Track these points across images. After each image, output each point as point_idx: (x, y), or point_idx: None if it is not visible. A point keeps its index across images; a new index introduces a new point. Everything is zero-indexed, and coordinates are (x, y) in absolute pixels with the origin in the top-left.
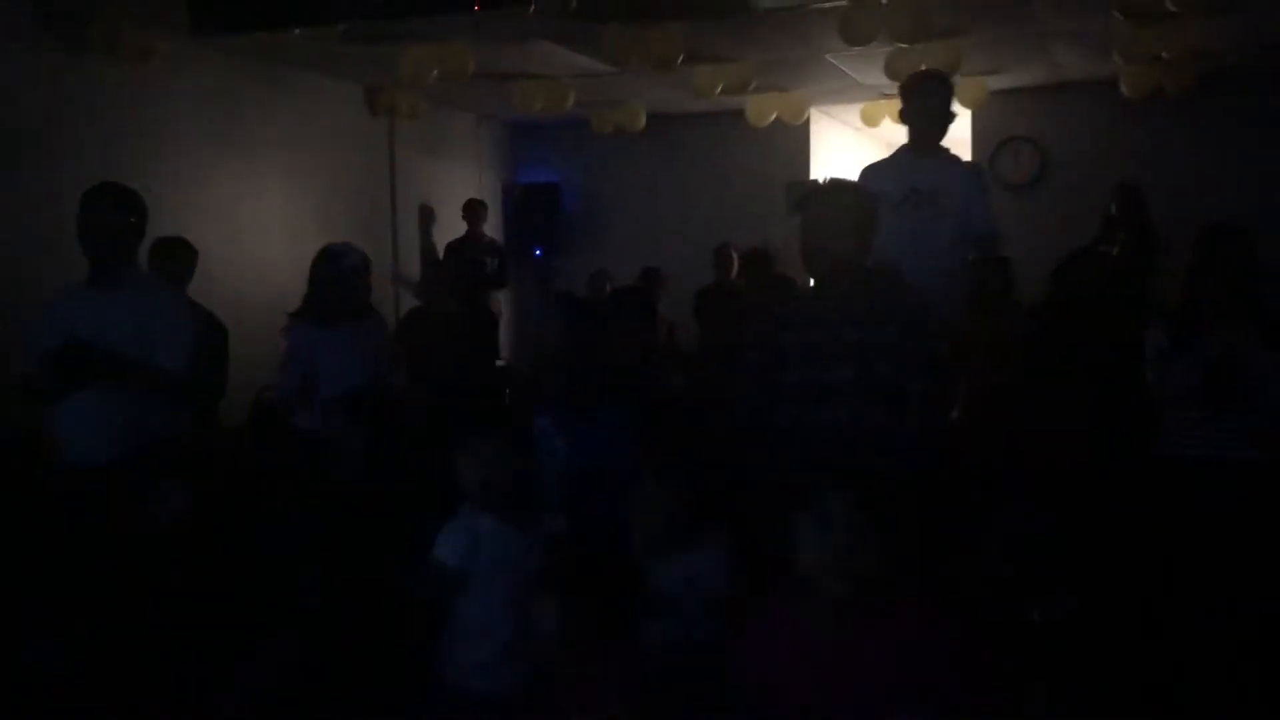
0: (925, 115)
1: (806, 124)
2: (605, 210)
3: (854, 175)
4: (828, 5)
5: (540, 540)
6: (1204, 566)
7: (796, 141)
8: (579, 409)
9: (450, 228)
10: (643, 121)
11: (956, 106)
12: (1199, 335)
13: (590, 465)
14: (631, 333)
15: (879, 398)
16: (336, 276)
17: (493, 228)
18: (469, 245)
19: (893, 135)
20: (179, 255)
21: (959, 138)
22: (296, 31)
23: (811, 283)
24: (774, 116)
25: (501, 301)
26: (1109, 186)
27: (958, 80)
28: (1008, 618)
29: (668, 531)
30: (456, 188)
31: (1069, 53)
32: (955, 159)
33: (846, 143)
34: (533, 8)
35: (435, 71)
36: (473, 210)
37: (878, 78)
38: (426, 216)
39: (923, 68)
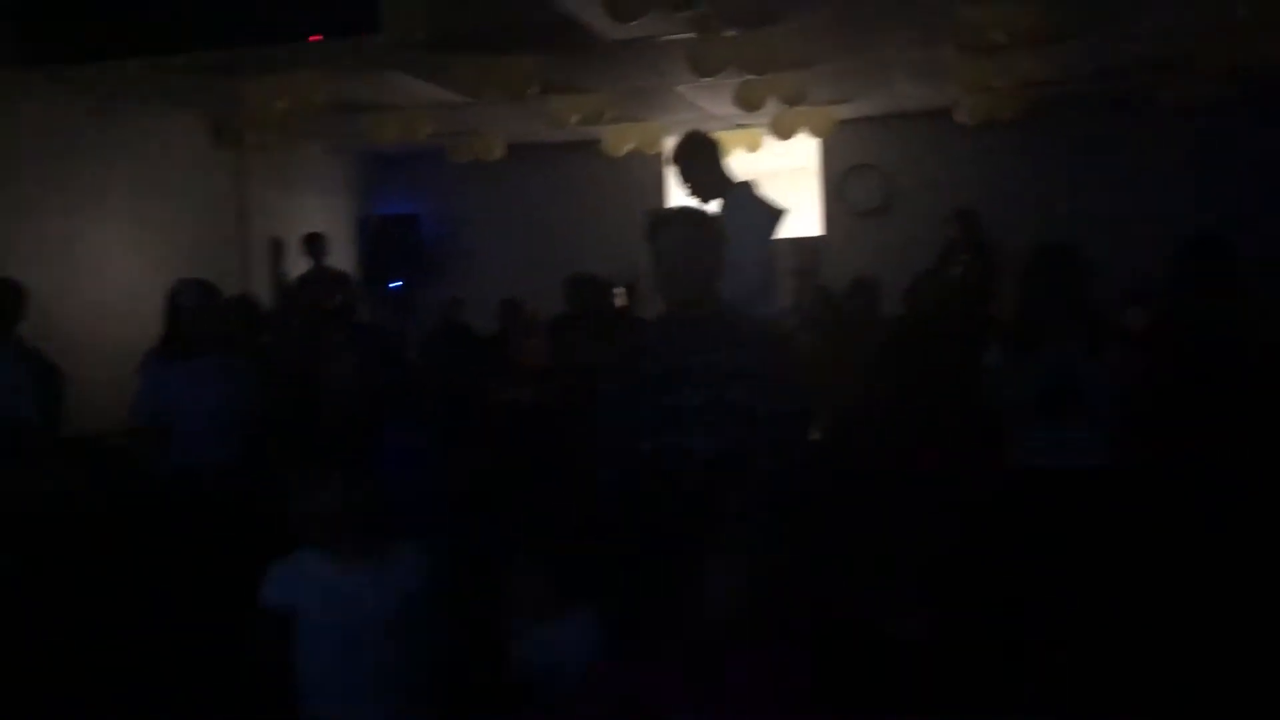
0: (697, 179)
1: (662, 154)
2: (465, 240)
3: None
4: (677, 37)
5: (395, 582)
6: (1055, 573)
7: (653, 171)
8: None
9: (303, 261)
10: (501, 151)
11: (804, 135)
12: (1034, 350)
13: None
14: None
15: (733, 422)
16: (175, 312)
17: (348, 260)
18: (314, 279)
19: (744, 163)
20: (5, 297)
21: (809, 166)
22: (135, 62)
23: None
24: (630, 146)
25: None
26: (949, 211)
27: (804, 110)
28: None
29: (537, 607)
30: (310, 220)
31: (910, 83)
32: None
33: None
34: (380, 39)
35: (283, 102)
36: (313, 244)
37: (729, 108)
38: (277, 250)
39: (691, 132)
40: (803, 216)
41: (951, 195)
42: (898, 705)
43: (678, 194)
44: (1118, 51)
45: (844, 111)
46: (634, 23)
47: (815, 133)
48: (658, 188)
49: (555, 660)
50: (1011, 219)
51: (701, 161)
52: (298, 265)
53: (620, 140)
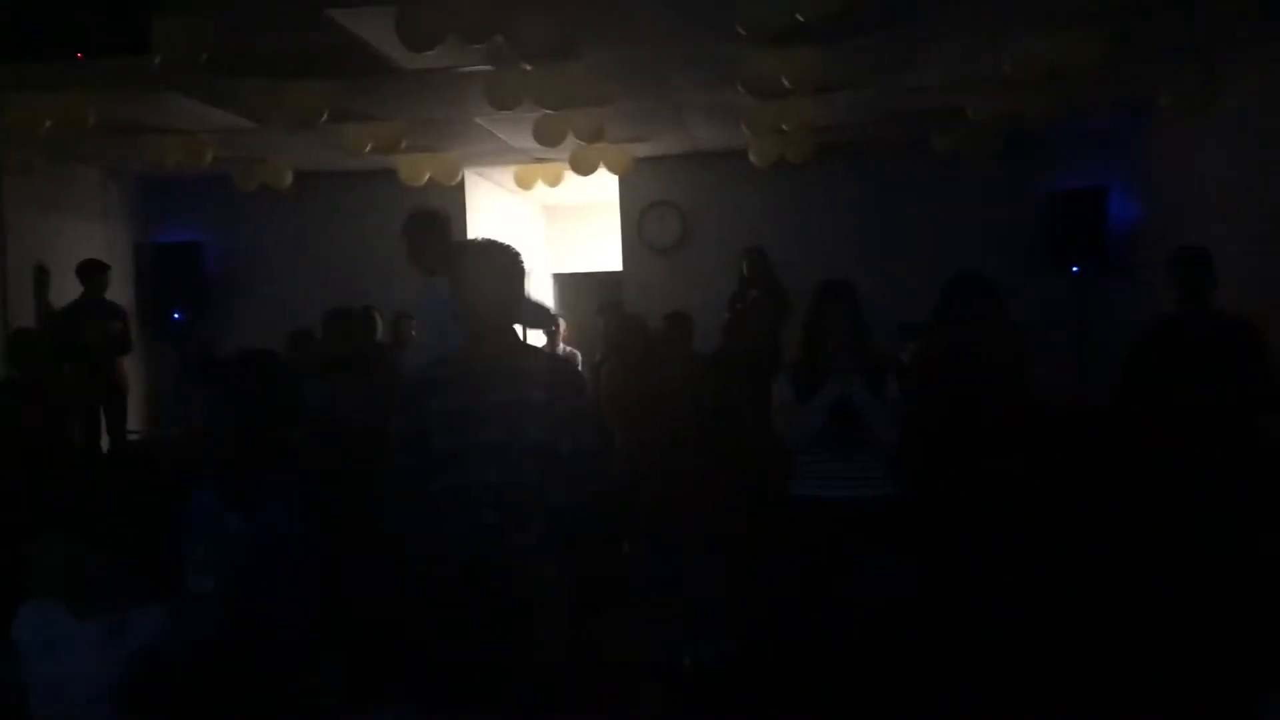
0: (424, 252)
1: (461, 185)
2: (252, 271)
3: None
4: (474, 69)
5: (129, 646)
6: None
7: (452, 202)
8: (248, 480)
9: (72, 290)
10: (289, 179)
11: (603, 171)
12: (818, 384)
13: (263, 541)
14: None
15: (525, 458)
16: None
17: (124, 290)
18: (85, 310)
19: (546, 198)
20: None
21: (609, 200)
22: None
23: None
24: (427, 177)
25: (126, 370)
26: (741, 249)
27: (603, 147)
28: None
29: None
30: (79, 247)
31: (704, 124)
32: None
33: (502, 204)
34: (156, 60)
35: (48, 122)
36: (89, 272)
37: (528, 141)
38: (42, 278)
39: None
40: (605, 252)
41: (746, 233)
42: None
43: (477, 226)
44: (897, 101)
45: (642, 150)
46: (429, 53)
47: (614, 170)
48: (458, 220)
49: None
50: (801, 257)
51: (432, 236)
52: (64, 296)
53: (417, 170)
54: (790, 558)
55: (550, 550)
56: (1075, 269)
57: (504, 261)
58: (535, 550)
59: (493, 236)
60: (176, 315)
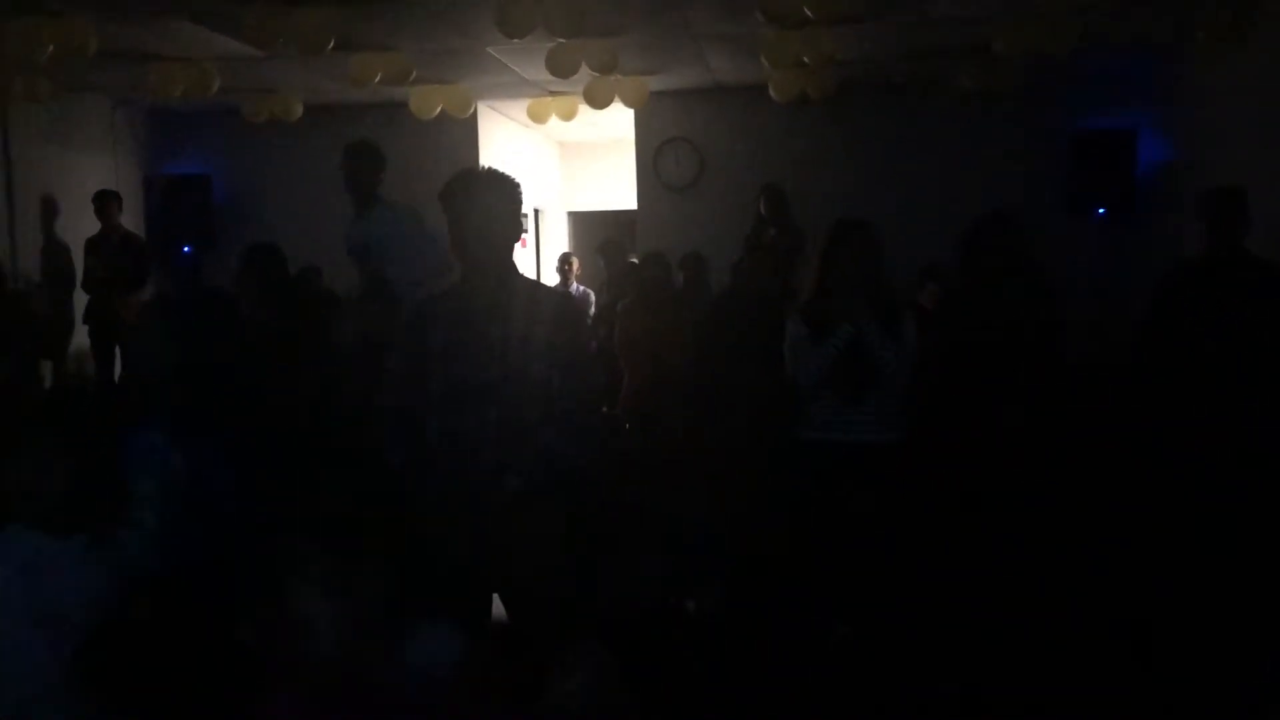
0: (354, 179)
1: (474, 119)
2: (261, 205)
3: (522, 173)
4: None
5: (113, 571)
6: (846, 546)
7: (464, 136)
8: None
9: (83, 222)
10: (299, 111)
11: (618, 107)
12: (830, 325)
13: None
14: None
15: (525, 396)
16: None
17: (134, 223)
18: (103, 241)
19: (560, 132)
20: None
21: (624, 138)
22: None
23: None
24: (439, 110)
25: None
26: (759, 187)
27: (617, 79)
28: (663, 612)
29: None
30: (87, 179)
31: (721, 57)
32: (396, 207)
33: (515, 139)
34: None
35: (50, 48)
36: (103, 203)
37: (542, 74)
38: (50, 210)
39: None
40: (620, 191)
41: (764, 171)
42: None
43: (489, 161)
44: (921, 36)
45: (657, 83)
46: None
47: (629, 103)
48: (469, 154)
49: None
50: (820, 196)
51: (371, 166)
52: (73, 228)
53: (428, 103)
54: (794, 503)
55: (548, 490)
56: (1100, 211)
57: (505, 192)
58: (533, 490)
59: (492, 166)
60: (185, 249)
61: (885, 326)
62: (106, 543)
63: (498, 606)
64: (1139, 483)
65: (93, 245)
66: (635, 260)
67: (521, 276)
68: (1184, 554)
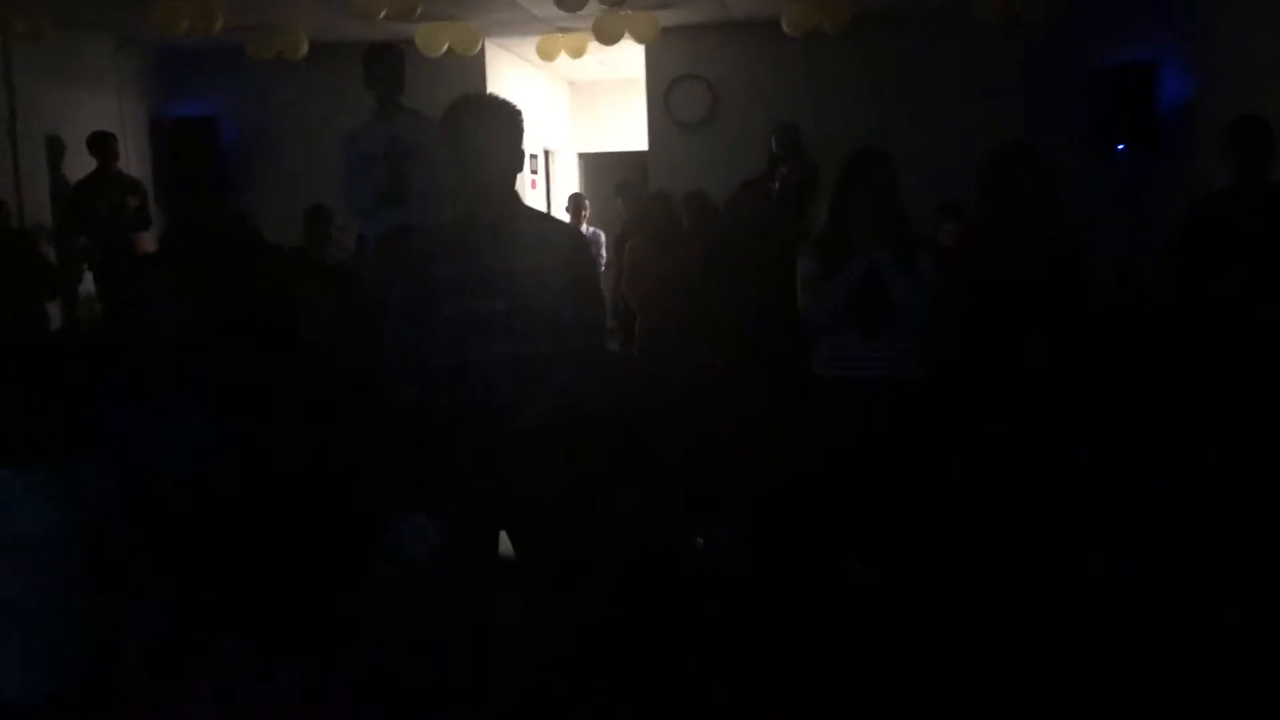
0: (387, 81)
1: (481, 56)
2: (268, 145)
3: (532, 112)
4: None
5: (73, 502)
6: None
7: (471, 74)
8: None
9: (85, 164)
10: (304, 49)
11: (628, 40)
12: (844, 259)
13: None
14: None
15: (535, 329)
16: None
17: (140, 164)
18: (101, 184)
19: (570, 71)
20: None
21: (635, 78)
22: None
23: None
24: (446, 47)
25: (147, 247)
26: (773, 124)
27: (627, 14)
28: (673, 547)
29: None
30: (92, 119)
31: None
32: (422, 116)
33: (523, 77)
34: None
35: None
36: (100, 144)
37: (551, 9)
38: (56, 150)
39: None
40: (631, 132)
41: (778, 108)
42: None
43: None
44: None
45: (668, 18)
46: None
47: (639, 39)
48: (479, 90)
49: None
50: (835, 132)
51: (392, 66)
52: (77, 168)
53: (435, 39)
54: (809, 439)
55: (559, 425)
56: (1121, 147)
57: (507, 118)
58: (544, 425)
59: (493, 93)
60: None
61: (901, 260)
62: (66, 474)
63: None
64: (1164, 419)
65: (91, 186)
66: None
67: (527, 207)
68: (1212, 493)
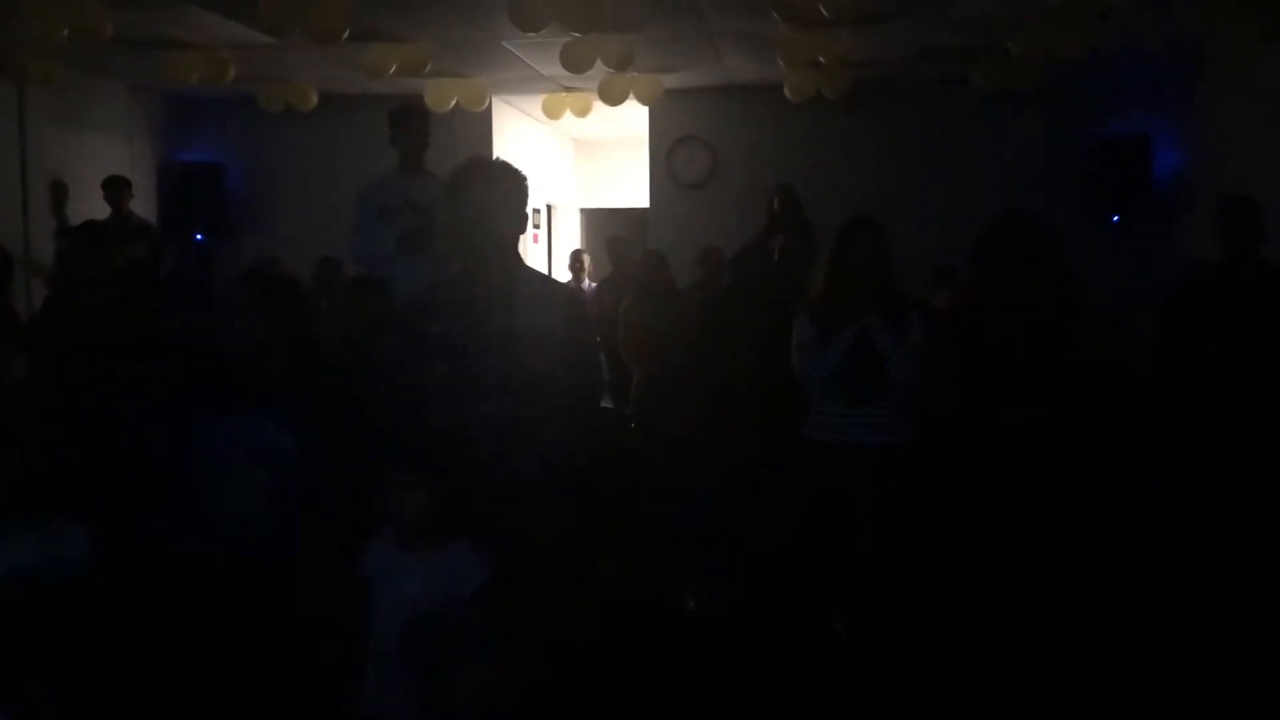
0: (414, 140)
1: (488, 112)
2: (275, 194)
3: (536, 168)
4: None
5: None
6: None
7: (478, 130)
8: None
9: (94, 207)
10: (314, 101)
11: (632, 104)
12: (837, 324)
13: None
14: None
15: (528, 389)
16: None
17: (146, 209)
18: (113, 228)
19: (575, 129)
20: None
21: (638, 135)
22: None
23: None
24: (454, 102)
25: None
26: (772, 186)
27: (632, 76)
28: (664, 607)
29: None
30: (102, 164)
31: (737, 55)
32: (438, 177)
33: (529, 134)
34: None
35: (65, 31)
36: (114, 188)
37: (557, 69)
38: (60, 194)
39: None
40: (633, 188)
41: (777, 170)
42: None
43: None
44: (937, 36)
45: (672, 80)
46: None
47: (643, 100)
48: (484, 148)
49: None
50: (834, 197)
51: (419, 126)
52: (86, 213)
53: (443, 95)
54: (799, 502)
55: (549, 486)
56: (1115, 218)
57: (512, 183)
58: (534, 486)
59: (499, 157)
60: (199, 237)
61: (892, 326)
62: (43, 528)
63: None
64: (1149, 487)
65: (102, 230)
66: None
67: (527, 268)
68: (1192, 558)
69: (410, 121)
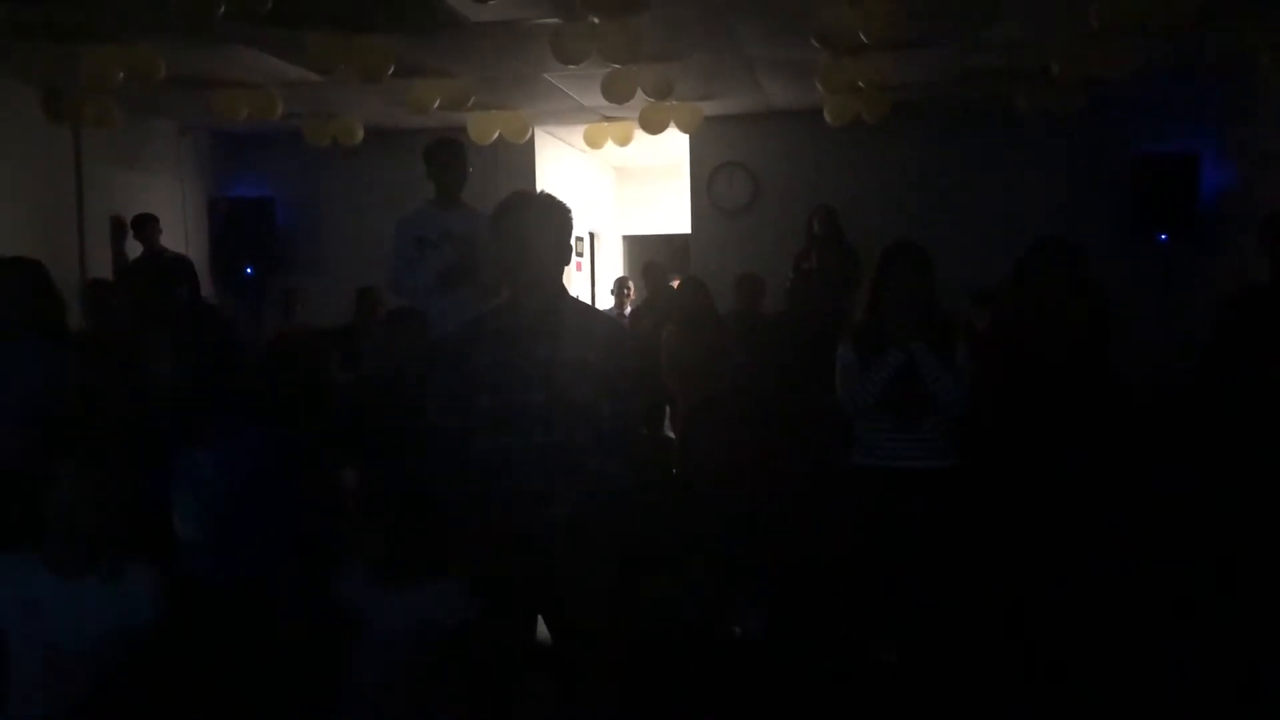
0: (449, 173)
1: (531, 144)
2: (322, 227)
3: (578, 197)
4: (541, 22)
5: (121, 605)
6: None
7: (521, 161)
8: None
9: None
10: (360, 135)
11: (673, 131)
12: (881, 349)
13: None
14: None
15: (572, 420)
16: None
17: (199, 244)
18: (145, 265)
19: (616, 157)
20: None
21: (679, 162)
22: None
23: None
24: (497, 135)
25: None
26: (811, 208)
27: (672, 105)
28: (710, 635)
29: (397, 565)
30: (154, 200)
31: (776, 81)
32: (477, 211)
33: (571, 164)
34: (221, 9)
35: (120, 74)
36: (142, 226)
37: (598, 99)
38: (118, 230)
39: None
40: (674, 214)
41: (817, 195)
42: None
43: (546, 185)
44: (977, 59)
45: (712, 108)
46: (494, 4)
47: (683, 128)
48: (526, 179)
49: (414, 625)
50: (875, 220)
51: (446, 160)
52: (133, 247)
53: (486, 128)
54: (843, 528)
55: (594, 516)
56: (1163, 237)
57: (556, 215)
58: (578, 516)
59: (544, 190)
60: (248, 270)
61: (937, 350)
62: (116, 581)
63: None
64: (1197, 509)
65: (137, 267)
66: (675, 284)
67: (571, 299)
68: (1241, 581)
69: (443, 155)
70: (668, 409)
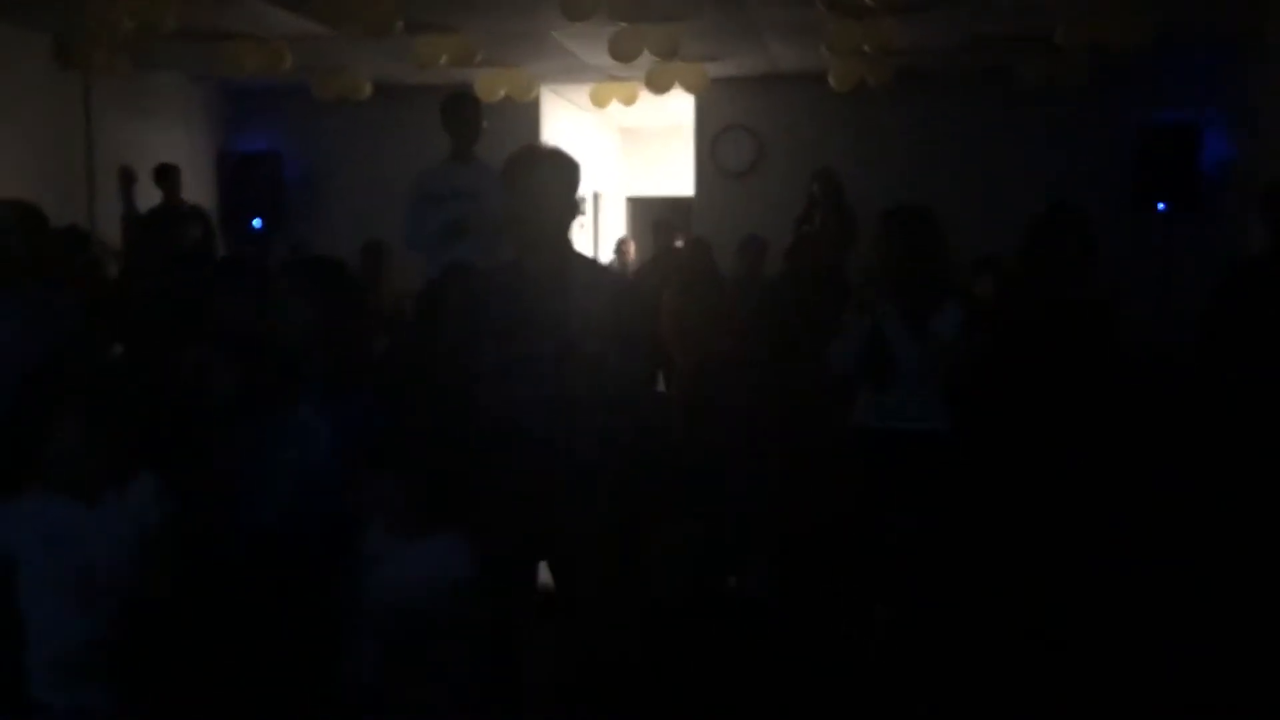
0: (468, 127)
1: (536, 102)
2: (329, 181)
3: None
4: None
5: (132, 517)
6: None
7: (527, 119)
8: (338, 389)
9: (153, 194)
10: (368, 91)
11: (678, 90)
12: (865, 314)
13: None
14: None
15: (580, 372)
16: None
17: (207, 196)
18: (165, 215)
19: (621, 118)
20: None
21: (684, 124)
22: None
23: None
24: (503, 93)
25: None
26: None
27: (678, 65)
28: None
29: (408, 516)
30: (163, 152)
31: (781, 44)
32: (489, 166)
33: (577, 123)
34: None
35: (129, 23)
36: (165, 176)
37: (604, 58)
38: (127, 179)
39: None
40: (679, 177)
41: (820, 159)
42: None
43: (549, 139)
44: (982, 25)
45: (718, 69)
46: None
47: (689, 89)
48: (532, 137)
49: (424, 577)
50: (878, 185)
51: (473, 115)
52: (148, 198)
53: (492, 85)
54: (840, 486)
55: (599, 468)
56: (1162, 206)
57: (565, 170)
58: (584, 467)
59: (553, 144)
60: (256, 223)
61: (912, 316)
62: (127, 495)
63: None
64: (1192, 478)
65: (156, 216)
66: (679, 244)
67: (579, 254)
68: (1234, 552)
69: (462, 109)
70: (663, 369)
